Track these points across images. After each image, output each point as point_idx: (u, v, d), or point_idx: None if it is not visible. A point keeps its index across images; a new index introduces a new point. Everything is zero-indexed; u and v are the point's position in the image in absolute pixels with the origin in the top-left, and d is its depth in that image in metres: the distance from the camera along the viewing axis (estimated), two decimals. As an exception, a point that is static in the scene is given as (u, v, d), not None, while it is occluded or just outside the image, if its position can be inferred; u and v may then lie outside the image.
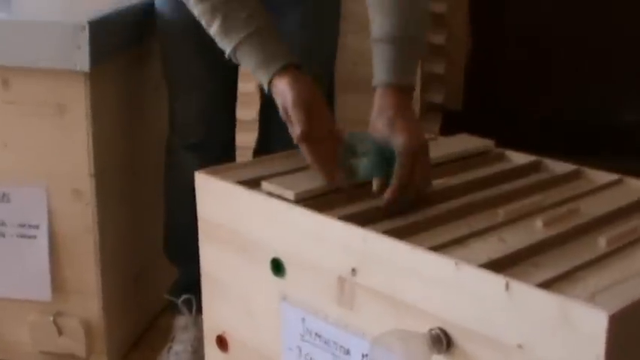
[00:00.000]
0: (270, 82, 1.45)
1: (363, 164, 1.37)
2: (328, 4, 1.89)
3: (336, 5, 1.91)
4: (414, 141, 1.34)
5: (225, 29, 1.48)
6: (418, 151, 1.34)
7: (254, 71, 1.48)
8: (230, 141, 1.96)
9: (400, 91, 1.40)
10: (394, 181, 1.33)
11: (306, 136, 1.40)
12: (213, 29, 1.49)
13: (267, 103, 1.82)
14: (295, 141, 1.42)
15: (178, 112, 1.89)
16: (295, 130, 1.41)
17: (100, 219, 1.77)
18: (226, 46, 1.49)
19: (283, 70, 1.44)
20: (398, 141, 1.34)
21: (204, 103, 1.86)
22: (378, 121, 1.38)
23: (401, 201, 1.32)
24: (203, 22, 1.51)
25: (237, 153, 1.98)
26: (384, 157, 1.36)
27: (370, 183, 1.39)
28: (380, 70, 1.41)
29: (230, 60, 1.51)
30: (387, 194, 1.32)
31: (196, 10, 1.50)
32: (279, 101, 1.44)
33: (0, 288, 1.83)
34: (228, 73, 1.84)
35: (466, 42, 3.51)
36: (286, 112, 1.43)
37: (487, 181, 1.46)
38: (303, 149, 1.41)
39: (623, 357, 0.97)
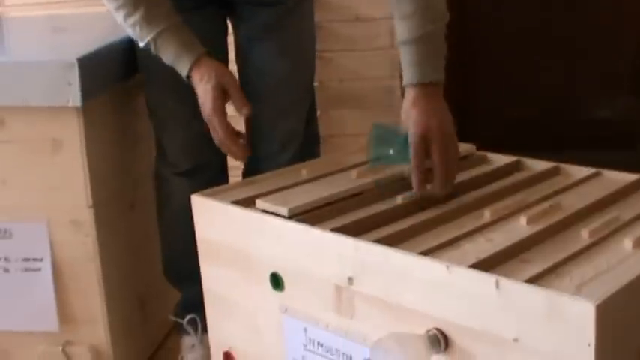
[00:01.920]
0: (195, 62, 1.61)
1: (388, 153, 1.43)
2: (306, 31, 1.91)
3: (313, 31, 1.94)
4: (420, 130, 1.38)
5: (149, 18, 1.60)
6: (428, 139, 1.38)
7: (177, 55, 1.62)
8: (222, 164, 1.95)
9: (421, 87, 1.43)
10: (412, 170, 1.38)
11: (213, 113, 1.60)
12: (134, 18, 1.60)
13: (252, 125, 1.85)
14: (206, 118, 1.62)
15: (167, 145, 1.88)
16: (205, 108, 1.61)
17: (100, 248, 1.78)
18: (147, 33, 1.61)
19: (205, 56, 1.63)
20: (409, 131, 1.40)
21: (191, 134, 1.84)
22: (404, 117, 1.43)
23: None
24: (122, 13, 1.61)
25: (230, 173, 1.98)
26: (406, 146, 1.40)
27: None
28: (404, 73, 1.45)
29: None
30: (414, 185, 1.38)
31: (116, 2, 1.60)
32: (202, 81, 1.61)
33: (9, 321, 1.83)
34: None
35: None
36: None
37: (471, 183, 1.48)
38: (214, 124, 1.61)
39: (613, 343, 0.99)
